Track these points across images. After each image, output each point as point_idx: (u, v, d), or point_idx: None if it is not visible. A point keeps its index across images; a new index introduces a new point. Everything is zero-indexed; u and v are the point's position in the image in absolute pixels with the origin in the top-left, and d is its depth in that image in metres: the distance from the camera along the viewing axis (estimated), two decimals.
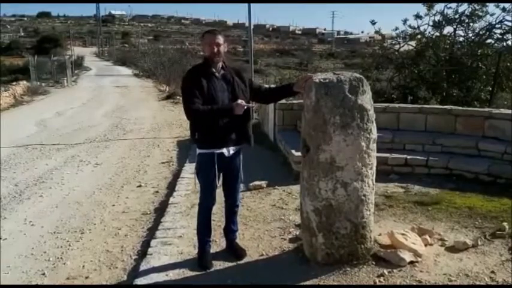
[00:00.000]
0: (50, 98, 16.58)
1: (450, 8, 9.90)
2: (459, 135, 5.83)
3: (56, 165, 6.80)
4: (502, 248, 3.40)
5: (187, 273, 3.21)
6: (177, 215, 4.37)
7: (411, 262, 3.15)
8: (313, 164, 3.09)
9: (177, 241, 3.75)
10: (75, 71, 27.76)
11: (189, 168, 5.88)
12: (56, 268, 3.54)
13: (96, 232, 4.24)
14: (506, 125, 5.47)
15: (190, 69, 3.29)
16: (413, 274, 3.04)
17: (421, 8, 10.16)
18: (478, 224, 3.89)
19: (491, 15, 9.87)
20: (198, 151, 3.23)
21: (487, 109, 6.28)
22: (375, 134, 3.15)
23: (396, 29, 10.83)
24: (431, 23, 10.01)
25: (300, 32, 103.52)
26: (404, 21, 10.35)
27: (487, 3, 9.73)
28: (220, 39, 3.15)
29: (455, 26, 9.97)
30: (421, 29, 10.14)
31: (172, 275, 3.20)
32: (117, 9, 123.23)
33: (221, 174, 3.30)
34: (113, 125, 10.50)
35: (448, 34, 10.11)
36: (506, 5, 9.35)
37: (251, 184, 5.08)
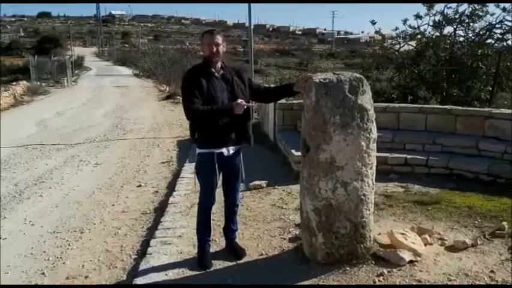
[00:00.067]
0: (50, 98, 16.58)
1: (450, 8, 9.92)
2: (459, 135, 5.83)
3: (56, 165, 6.80)
4: (502, 248, 3.40)
5: (186, 272, 3.21)
6: (176, 215, 4.37)
7: (411, 261, 3.15)
8: (313, 164, 3.09)
9: (177, 241, 3.75)
10: (75, 71, 27.77)
11: (189, 168, 5.88)
12: (56, 268, 3.54)
13: (95, 232, 4.24)
14: (506, 124, 5.47)
15: (190, 69, 3.29)
16: (412, 273, 3.04)
17: (421, 8, 10.19)
18: (478, 223, 3.89)
19: (492, 15, 9.88)
20: (198, 151, 3.23)
21: (487, 109, 6.28)
22: (375, 134, 3.15)
23: (396, 29, 10.85)
24: (431, 23, 10.02)
25: (300, 32, 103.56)
26: (405, 21, 10.36)
27: (487, 3, 9.74)
28: (219, 39, 3.15)
29: (455, 26, 9.97)
30: (421, 29, 10.16)
31: (172, 274, 3.20)
32: (117, 9, 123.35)
33: (221, 174, 3.31)
34: (113, 125, 10.50)
35: (448, 34, 10.11)
36: (507, 5, 9.36)
37: (251, 184, 5.08)
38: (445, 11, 9.91)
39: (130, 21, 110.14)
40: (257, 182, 5.14)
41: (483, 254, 3.31)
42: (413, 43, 10.46)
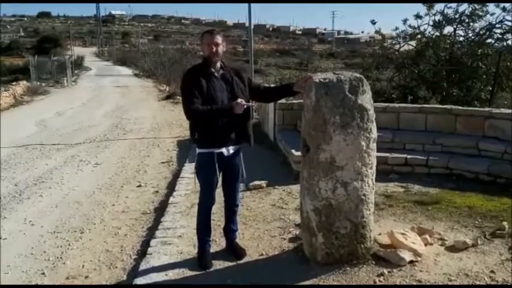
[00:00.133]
0: (50, 98, 16.58)
1: (450, 7, 9.92)
2: (459, 135, 5.83)
3: (56, 165, 6.80)
4: (502, 248, 3.40)
5: (187, 272, 3.21)
6: (176, 215, 4.37)
7: (411, 262, 3.15)
8: (313, 164, 3.09)
9: (177, 241, 3.75)
10: (75, 71, 27.76)
11: (189, 168, 5.88)
12: (56, 268, 3.54)
13: (95, 232, 4.24)
14: (506, 124, 5.47)
15: (190, 69, 3.29)
16: (413, 274, 3.04)
17: (421, 8, 10.18)
18: (478, 223, 3.89)
19: (492, 14, 9.90)
20: (198, 151, 3.23)
21: (487, 109, 6.27)
22: (375, 134, 3.14)
23: (396, 28, 10.86)
24: (431, 23, 10.02)
25: (300, 32, 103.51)
26: (405, 21, 10.36)
27: (487, 3, 9.74)
28: (219, 39, 3.15)
29: (455, 26, 9.97)
30: (421, 28, 10.16)
31: (172, 274, 3.19)
32: (117, 9, 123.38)
33: (221, 174, 3.30)
34: (113, 125, 10.50)
35: (448, 34, 10.11)
36: (507, 5, 9.36)
37: (251, 184, 5.07)
38: (445, 11, 9.93)
39: (130, 21, 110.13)
40: (257, 182, 5.14)
41: (483, 254, 3.31)
42: (413, 43, 10.46)
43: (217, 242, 3.65)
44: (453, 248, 3.40)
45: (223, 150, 3.18)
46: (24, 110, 13.57)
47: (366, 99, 3.08)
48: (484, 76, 9.33)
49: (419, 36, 10.23)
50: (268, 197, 4.84)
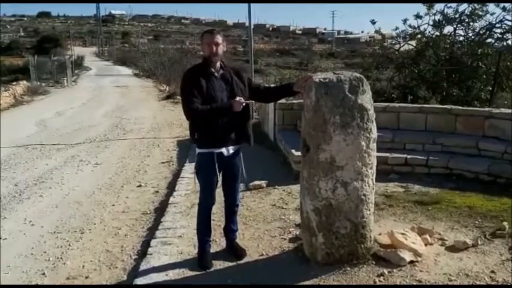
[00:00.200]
0: (50, 98, 16.58)
1: (450, 7, 9.91)
2: (459, 135, 5.83)
3: (56, 165, 6.80)
4: (502, 248, 3.40)
5: (187, 273, 3.21)
6: (177, 215, 4.37)
7: (411, 262, 3.15)
8: (313, 164, 3.09)
9: (177, 241, 3.75)
10: (75, 71, 27.75)
11: (189, 168, 5.88)
12: (56, 268, 3.54)
13: (96, 232, 4.24)
14: (506, 124, 5.47)
15: (190, 68, 3.29)
16: (413, 274, 3.04)
17: (421, 8, 10.17)
18: (478, 223, 3.89)
19: (492, 14, 9.91)
20: (198, 151, 3.23)
21: (487, 109, 6.27)
22: (375, 134, 3.14)
23: (396, 28, 10.85)
24: (431, 23, 10.01)
25: (300, 32, 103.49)
26: (405, 20, 10.36)
27: (487, 3, 9.74)
28: (219, 38, 3.15)
29: (455, 26, 9.96)
30: (421, 28, 10.15)
31: (172, 274, 3.20)
32: (117, 9, 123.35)
33: (221, 174, 3.31)
34: (113, 124, 10.50)
35: (448, 34, 10.10)
36: (507, 5, 9.36)
37: (251, 184, 5.07)
38: (445, 11, 9.92)
39: (130, 21, 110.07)
40: (257, 182, 5.14)
41: (484, 254, 3.31)
42: (413, 43, 10.46)
43: (218, 242, 3.65)
44: (453, 248, 3.40)
45: (223, 150, 3.18)
46: (24, 110, 13.57)
47: (366, 99, 3.08)
48: (484, 76, 9.33)
49: (419, 36, 10.22)
50: (268, 197, 4.84)
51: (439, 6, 10.00)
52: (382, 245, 3.40)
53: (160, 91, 18.37)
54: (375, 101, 3.37)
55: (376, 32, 11.10)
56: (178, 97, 14.28)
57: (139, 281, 3.15)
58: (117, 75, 27.35)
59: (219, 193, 3.41)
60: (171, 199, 4.89)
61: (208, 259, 3.32)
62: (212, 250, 3.46)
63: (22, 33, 69.39)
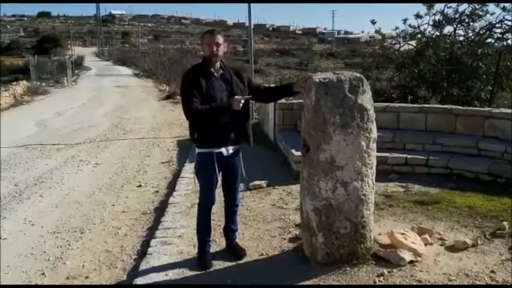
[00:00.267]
0: (50, 98, 16.58)
1: (450, 7, 9.91)
2: (459, 135, 5.83)
3: (56, 165, 6.80)
4: (502, 248, 3.40)
5: (187, 273, 3.21)
6: (176, 215, 4.37)
7: (411, 262, 3.15)
8: (313, 164, 3.09)
9: (177, 241, 3.75)
10: (75, 71, 27.76)
11: (189, 168, 5.88)
12: (56, 268, 3.54)
13: (96, 232, 4.24)
14: (506, 124, 5.47)
15: (189, 68, 3.29)
16: (413, 274, 3.04)
17: (421, 8, 10.17)
18: (478, 223, 3.89)
19: (492, 14, 9.90)
20: (197, 150, 3.23)
21: (487, 108, 6.27)
22: (375, 134, 3.14)
23: (396, 28, 10.83)
24: (431, 23, 10.01)
25: (300, 32, 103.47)
26: (405, 20, 10.35)
27: (487, 3, 9.74)
28: (220, 39, 3.15)
29: (455, 26, 9.96)
30: (421, 28, 10.15)
31: (172, 274, 3.19)
32: (117, 9, 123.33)
33: (220, 174, 3.31)
34: (113, 124, 10.50)
35: (448, 33, 10.10)
36: (507, 5, 9.35)
37: (251, 184, 5.07)
38: (445, 11, 9.92)
39: (130, 21, 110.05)
40: (257, 182, 5.14)
41: (483, 254, 3.31)
42: (413, 43, 10.46)
43: (217, 242, 3.65)
44: (453, 248, 3.40)
45: (223, 150, 3.19)
46: (24, 110, 13.58)
47: (366, 99, 3.08)
48: (484, 76, 9.32)
49: (419, 36, 10.22)
50: (268, 197, 4.84)
51: (439, 6, 10.01)
52: (382, 245, 3.40)
53: (160, 91, 18.37)
54: (375, 101, 3.37)
55: (376, 32, 11.10)
56: (178, 97, 14.27)
57: (139, 280, 3.15)
58: (117, 75, 27.36)
59: (218, 193, 3.41)
60: (171, 199, 4.89)
61: (208, 259, 3.32)
62: (212, 250, 3.46)
63: (22, 33, 69.39)
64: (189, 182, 5.34)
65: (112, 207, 4.90)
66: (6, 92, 14.68)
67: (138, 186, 5.67)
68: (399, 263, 3.12)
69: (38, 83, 19.64)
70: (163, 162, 6.91)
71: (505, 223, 3.70)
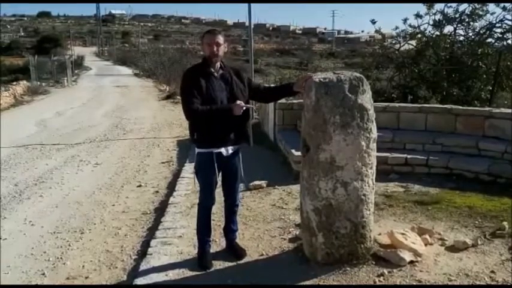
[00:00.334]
0: (50, 98, 16.58)
1: (450, 7, 9.91)
2: (459, 135, 5.83)
3: (56, 165, 6.80)
4: (502, 248, 3.40)
5: (187, 273, 3.21)
6: (177, 215, 4.37)
7: (411, 262, 3.15)
8: (313, 164, 3.09)
9: (177, 241, 3.75)
10: (76, 71, 27.76)
11: (189, 168, 5.88)
12: (56, 268, 3.54)
13: (96, 232, 4.24)
14: (506, 124, 5.47)
15: (189, 68, 3.29)
16: (413, 274, 3.04)
17: (421, 8, 10.17)
18: (478, 223, 3.89)
19: (492, 14, 9.91)
20: (197, 150, 3.24)
21: (487, 108, 6.27)
22: (375, 134, 3.14)
23: (396, 28, 10.83)
24: (431, 22, 10.01)
25: (300, 32, 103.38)
26: (405, 20, 10.35)
27: (487, 3, 9.74)
28: (221, 39, 3.15)
29: (455, 25, 9.96)
30: (422, 28, 10.15)
31: (172, 275, 3.19)
32: (117, 9, 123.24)
33: (220, 174, 3.31)
34: (113, 124, 10.50)
35: (449, 33, 10.10)
36: (507, 4, 9.35)
37: (251, 184, 5.08)
38: (445, 10, 9.92)
39: (130, 20, 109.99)
40: (257, 182, 5.14)
41: (483, 254, 3.31)
42: (413, 42, 10.46)
43: (218, 242, 3.65)
44: (453, 248, 3.40)
45: (222, 150, 3.18)
46: (24, 109, 13.58)
47: (366, 99, 3.08)
48: (484, 76, 9.32)
49: (419, 35, 10.22)
50: (268, 197, 4.84)
51: (439, 6, 10.02)
52: (382, 245, 3.40)
53: (160, 91, 18.37)
54: (375, 101, 3.37)
55: (376, 31, 11.10)
56: (178, 97, 14.27)
57: (139, 281, 3.15)
58: (117, 75, 27.36)
59: (218, 193, 3.41)
60: (171, 199, 4.89)
61: (208, 259, 3.32)
62: (212, 250, 3.46)
63: (22, 33, 69.34)
64: (189, 182, 5.34)
65: (112, 207, 4.90)
66: (6, 92, 14.68)
67: (138, 186, 5.67)
68: (399, 263, 3.12)
69: (38, 83, 19.65)
70: (163, 162, 6.91)
71: (505, 223, 3.70)
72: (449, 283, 2.94)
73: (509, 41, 9.83)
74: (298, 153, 4.20)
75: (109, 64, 38.35)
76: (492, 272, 3.06)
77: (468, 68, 9.43)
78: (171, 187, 5.47)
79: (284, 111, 6.94)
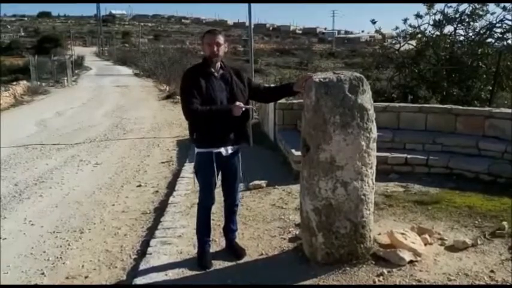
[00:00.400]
0: (50, 98, 16.59)
1: (450, 7, 9.92)
2: (459, 135, 5.83)
3: (56, 165, 6.80)
4: (502, 248, 3.40)
5: (186, 272, 3.21)
6: (176, 215, 4.37)
7: (411, 261, 3.15)
8: (313, 164, 3.09)
9: (177, 241, 3.75)
10: (76, 71, 27.77)
11: (189, 168, 5.88)
12: (56, 268, 3.54)
13: (95, 232, 4.24)
14: (506, 124, 5.47)
15: (189, 68, 3.29)
16: (412, 273, 3.04)
17: (421, 8, 10.17)
18: (478, 223, 3.89)
19: (492, 14, 9.91)
20: (196, 150, 3.24)
21: (487, 108, 6.27)
22: (375, 134, 3.14)
23: (396, 28, 10.84)
24: (431, 22, 10.01)
25: (300, 32, 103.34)
26: (405, 20, 10.35)
27: (488, 3, 9.74)
28: (221, 39, 3.15)
29: (455, 25, 9.96)
30: (422, 28, 10.15)
31: (172, 274, 3.19)
32: (118, 9, 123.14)
33: (220, 174, 3.30)
34: (113, 124, 10.51)
35: (449, 33, 10.10)
36: (507, 4, 9.35)
37: (251, 184, 5.08)
38: (446, 10, 9.92)
39: (130, 20, 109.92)
40: (257, 182, 5.14)
41: (483, 254, 3.31)
42: (413, 42, 10.46)
43: (217, 242, 3.65)
44: (453, 248, 3.40)
45: (222, 150, 3.18)
46: (24, 109, 13.58)
47: (366, 99, 3.07)
48: (484, 76, 9.33)
49: (419, 35, 10.22)
50: (268, 196, 4.84)
51: (439, 6, 10.02)
52: (382, 244, 3.40)
53: (160, 91, 18.38)
54: (375, 101, 3.37)
55: (377, 31, 11.10)
56: (178, 97, 14.22)
57: (139, 280, 3.14)
58: (117, 75, 27.37)
59: (218, 193, 3.41)
60: (171, 199, 4.89)
61: (208, 259, 3.32)
62: (212, 250, 3.46)
63: (22, 33, 69.30)
64: (189, 181, 5.34)
65: (112, 207, 4.90)
66: (6, 92, 14.69)
67: (138, 186, 5.67)
68: (399, 262, 3.12)
69: (38, 83, 19.66)
70: (163, 162, 6.91)
71: (504, 223, 3.70)
72: (449, 283, 2.94)
73: (509, 41, 9.85)
74: (298, 153, 4.20)
75: (109, 64, 38.35)
76: (492, 271, 3.06)
77: (468, 68, 9.43)
78: (171, 187, 5.47)
79: (284, 111, 6.94)
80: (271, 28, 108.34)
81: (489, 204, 4.32)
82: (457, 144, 5.62)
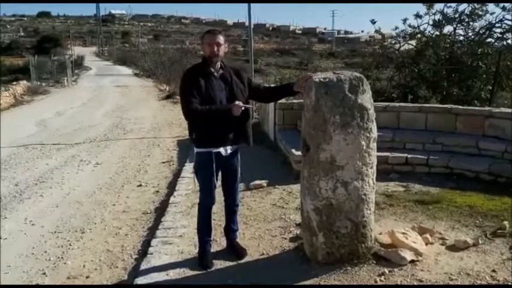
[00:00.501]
0: (50, 98, 16.58)
1: (450, 7, 9.92)
2: (459, 134, 5.83)
3: (56, 164, 6.80)
4: (503, 247, 3.40)
5: (187, 272, 3.21)
6: (177, 215, 4.37)
7: (412, 261, 3.15)
8: (314, 163, 3.09)
9: (178, 240, 3.75)
10: (76, 71, 27.75)
11: (189, 168, 5.88)
12: (57, 268, 3.54)
13: (96, 231, 4.24)
14: (506, 124, 5.47)
15: (189, 68, 3.29)
16: (414, 273, 3.04)
17: (421, 8, 10.18)
18: (479, 222, 3.89)
19: (491, 14, 9.95)
20: (196, 150, 3.24)
21: (487, 108, 6.28)
22: (375, 133, 3.14)
23: (396, 28, 10.85)
24: (431, 22, 10.03)
25: (300, 32, 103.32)
26: (404, 20, 10.37)
27: (487, 3, 9.75)
28: (221, 39, 3.15)
29: (455, 25, 9.97)
30: (421, 28, 10.17)
31: (173, 274, 3.20)
32: (117, 9, 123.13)
33: (220, 174, 3.31)
34: (113, 124, 10.51)
35: (448, 33, 10.11)
36: (506, 4, 9.36)
37: (251, 183, 5.08)
38: (445, 10, 9.94)
39: (130, 20, 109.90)
40: (257, 182, 5.14)
41: (484, 254, 3.31)
42: (413, 42, 10.47)
43: (218, 242, 3.65)
44: (454, 248, 3.40)
45: (221, 150, 3.19)
46: (24, 109, 13.58)
47: (366, 99, 3.08)
48: (484, 75, 9.33)
49: (419, 35, 10.23)
50: (269, 196, 4.84)
51: (438, 6, 10.03)
52: (383, 244, 3.40)
53: (160, 91, 18.38)
54: (375, 101, 3.37)
55: (376, 31, 11.10)
56: (178, 97, 14.20)
57: (140, 280, 3.15)
58: (117, 75, 27.36)
59: (219, 193, 3.42)
60: (172, 199, 4.89)
61: (209, 259, 3.32)
62: (213, 250, 3.46)
63: (22, 33, 69.26)
64: (189, 181, 5.34)
65: (113, 207, 4.90)
66: (6, 91, 14.68)
67: (138, 186, 5.67)
68: (400, 262, 3.12)
69: (38, 82, 19.65)
70: (163, 162, 6.91)
71: (505, 222, 3.70)
72: (450, 282, 2.94)
73: (509, 41, 9.86)
74: (299, 153, 4.20)
75: (109, 64, 38.33)
76: (493, 271, 3.06)
77: (468, 68, 9.44)
78: (172, 187, 5.47)
79: (284, 111, 6.94)
80: (271, 28, 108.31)
81: (490, 203, 4.33)
82: (457, 144, 5.63)
